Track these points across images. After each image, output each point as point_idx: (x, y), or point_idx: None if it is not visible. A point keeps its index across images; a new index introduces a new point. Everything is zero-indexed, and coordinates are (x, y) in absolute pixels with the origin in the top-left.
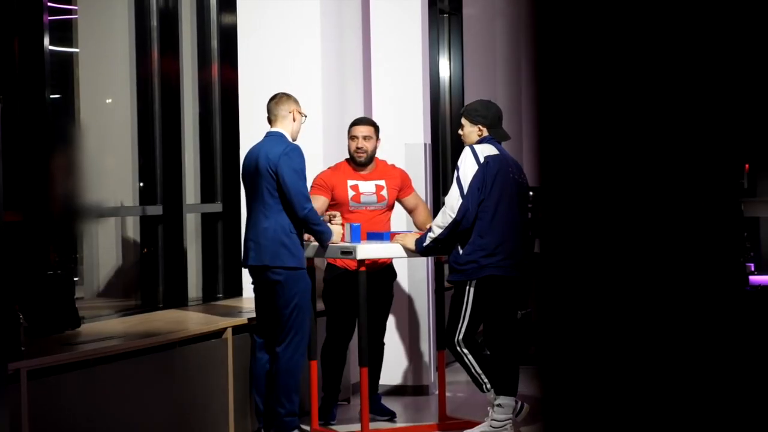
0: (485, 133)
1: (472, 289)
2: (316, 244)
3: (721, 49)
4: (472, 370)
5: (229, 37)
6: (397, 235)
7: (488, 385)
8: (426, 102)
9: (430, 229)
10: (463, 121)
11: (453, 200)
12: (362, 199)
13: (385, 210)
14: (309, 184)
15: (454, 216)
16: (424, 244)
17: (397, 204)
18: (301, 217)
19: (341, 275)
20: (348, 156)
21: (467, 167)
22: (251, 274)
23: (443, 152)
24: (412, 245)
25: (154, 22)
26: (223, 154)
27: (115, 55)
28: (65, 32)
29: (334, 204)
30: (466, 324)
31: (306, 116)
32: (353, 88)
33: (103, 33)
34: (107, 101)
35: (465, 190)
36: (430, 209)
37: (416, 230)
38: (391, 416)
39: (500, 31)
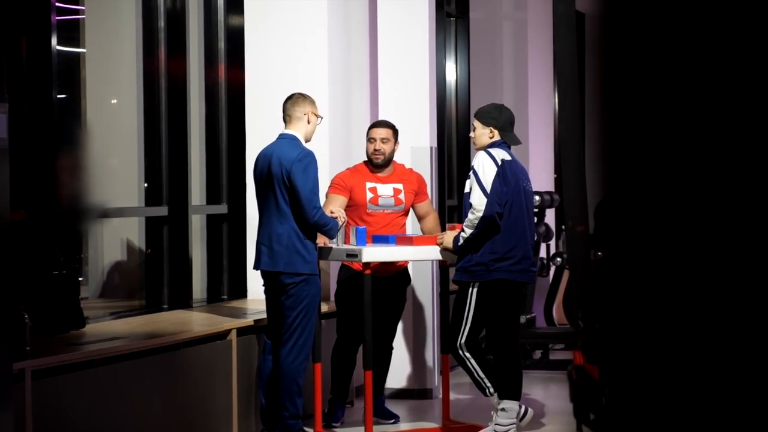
0: (496, 135)
1: (475, 291)
2: (322, 246)
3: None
4: (475, 375)
5: (236, 38)
6: (441, 236)
7: (491, 389)
8: (432, 105)
9: (462, 230)
10: (475, 122)
11: (477, 199)
12: (380, 201)
13: (402, 214)
14: (325, 186)
15: (481, 213)
16: (459, 244)
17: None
18: (311, 223)
19: (354, 276)
20: (366, 158)
21: (487, 169)
22: (263, 277)
23: (449, 155)
24: (449, 243)
25: (161, 23)
26: (229, 155)
27: (122, 56)
28: (72, 32)
29: (352, 206)
30: (468, 328)
31: (321, 118)
32: (360, 90)
33: (110, 33)
34: (113, 101)
35: (488, 190)
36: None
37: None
38: (394, 419)
39: (507, 34)
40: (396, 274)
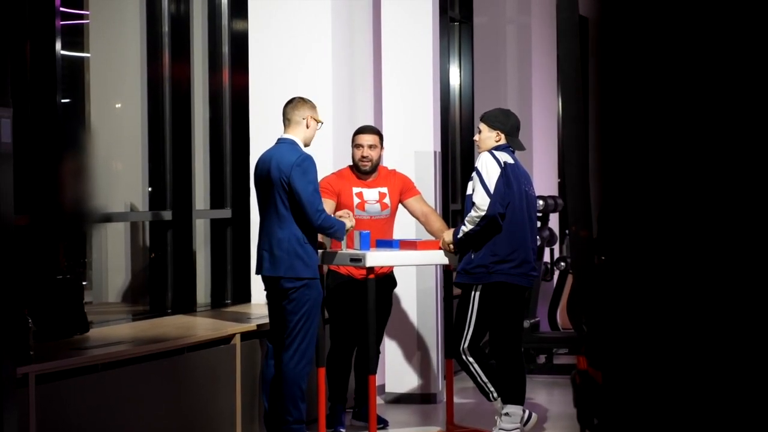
0: (502, 139)
1: (477, 293)
2: (324, 250)
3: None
4: (478, 379)
5: (240, 43)
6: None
7: (494, 394)
8: (436, 110)
9: (462, 224)
10: (482, 125)
11: (480, 198)
12: (366, 207)
13: (388, 218)
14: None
15: (484, 212)
16: (458, 237)
17: (406, 213)
18: (316, 227)
19: (345, 283)
20: (351, 163)
21: (491, 169)
22: (265, 282)
23: (452, 160)
24: (449, 238)
25: (166, 28)
26: (233, 160)
27: (126, 60)
28: (77, 37)
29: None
30: (471, 332)
31: (322, 123)
32: (363, 95)
33: (114, 38)
34: (117, 106)
35: (491, 190)
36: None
37: (431, 238)
38: (383, 425)
39: (510, 39)
40: (382, 279)
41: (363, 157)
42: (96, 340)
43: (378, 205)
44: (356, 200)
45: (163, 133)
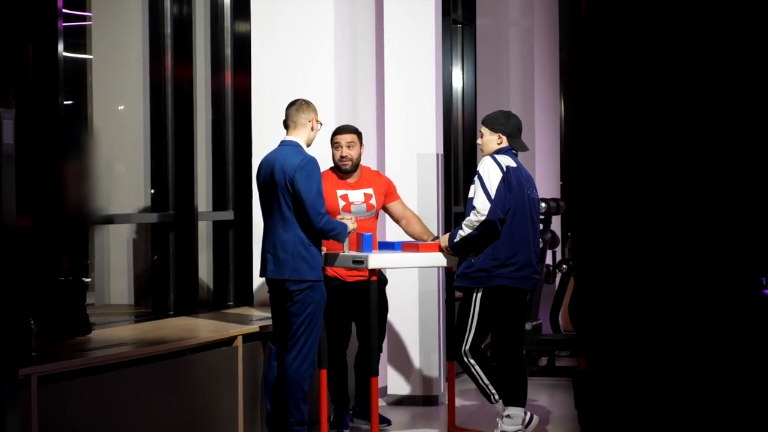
0: (504, 142)
1: (479, 296)
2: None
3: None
4: (480, 381)
5: (242, 45)
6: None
7: (496, 396)
8: (438, 112)
9: (460, 227)
10: (483, 129)
11: (481, 202)
12: (353, 209)
13: (373, 218)
14: None
15: (484, 216)
16: (455, 241)
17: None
18: (317, 230)
19: (336, 287)
20: (333, 164)
21: (492, 173)
22: (269, 285)
23: (455, 162)
24: (446, 242)
25: (168, 29)
26: (236, 161)
27: (129, 62)
28: (79, 38)
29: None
30: (472, 334)
31: (322, 124)
32: (366, 97)
33: (116, 39)
34: (120, 107)
35: (492, 195)
36: (441, 220)
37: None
38: (386, 423)
39: (513, 41)
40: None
41: (342, 156)
42: (98, 341)
43: (364, 206)
44: (341, 203)
45: (165, 134)
